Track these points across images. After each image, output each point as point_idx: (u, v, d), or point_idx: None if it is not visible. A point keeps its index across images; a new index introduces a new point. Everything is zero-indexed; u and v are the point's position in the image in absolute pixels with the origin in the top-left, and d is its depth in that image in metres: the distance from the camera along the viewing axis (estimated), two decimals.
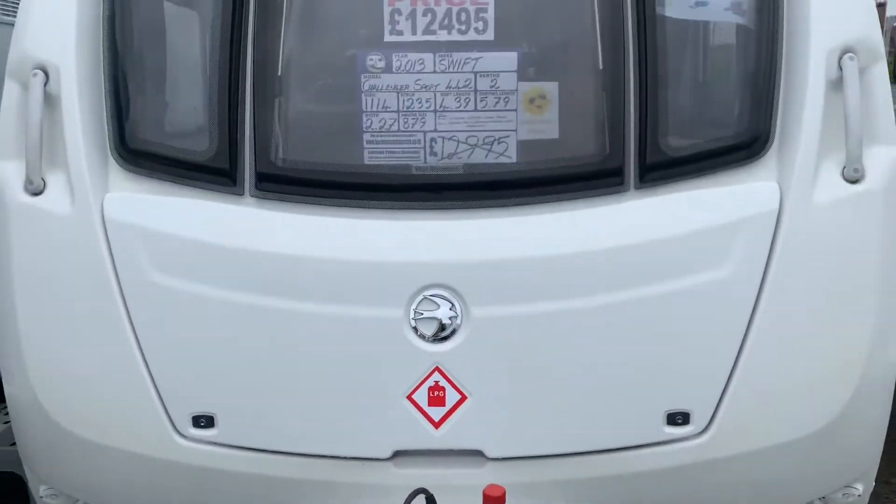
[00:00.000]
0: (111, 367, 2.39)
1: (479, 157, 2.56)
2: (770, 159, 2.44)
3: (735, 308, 2.33)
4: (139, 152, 2.51)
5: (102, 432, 2.44)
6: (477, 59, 2.59)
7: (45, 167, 2.48)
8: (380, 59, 2.60)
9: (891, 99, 2.47)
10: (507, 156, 2.56)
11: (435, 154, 2.58)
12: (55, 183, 2.47)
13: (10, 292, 2.44)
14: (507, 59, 2.58)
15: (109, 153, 2.54)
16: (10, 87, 2.56)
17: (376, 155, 2.52)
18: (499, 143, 2.58)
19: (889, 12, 8.49)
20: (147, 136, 2.54)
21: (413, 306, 2.32)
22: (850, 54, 2.42)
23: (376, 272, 2.34)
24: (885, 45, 2.79)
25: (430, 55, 2.61)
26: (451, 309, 2.32)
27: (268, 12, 2.58)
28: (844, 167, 2.37)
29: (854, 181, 2.36)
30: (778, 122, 2.46)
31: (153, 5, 2.64)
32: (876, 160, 2.39)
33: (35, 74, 2.50)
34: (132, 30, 2.62)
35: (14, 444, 2.89)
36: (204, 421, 2.38)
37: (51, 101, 2.50)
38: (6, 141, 2.52)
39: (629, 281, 2.33)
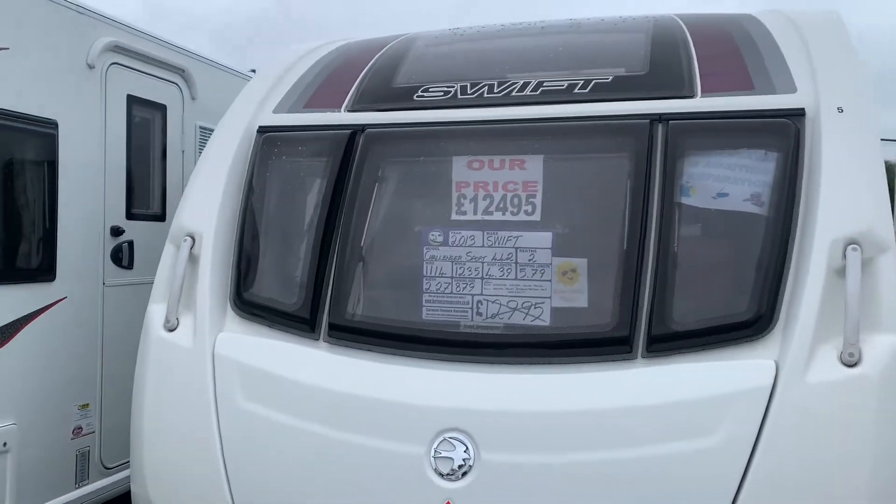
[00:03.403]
0: (202, 474, 2.97)
1: (516, 319, 2.97)
2: (773, 339, 2.61)
3: (724, 476, 2.47)
4: (248, 301, 3.21)
5: None
6: (518, 236, 3.06)
7: (182, 310, 3.24)
8: (439, 235, 3.15)
9: None
10: (542, 319, 2.95)
11: (480, 314, 3.03)
12: (186, 323, 3.21)
13: (141, 406, 3.16)
14: (544, 238, 3.03)
15: (228, 301, 3.26)
16: (168, 248, 3.41)
17: (420, 312, 3.02)
18: (535, 308, 2.98)
19: None
20: (256, 288, 3.24)
21: (434, 445, 2.71)
22: (854, 245, 2.59)
23: (409, 413, 2.77)
24: None
25: (480, 233, 3.12)
26: (465, 451, 2.67)
27: (358, 198, 3.26)
28: (842, 351, 2.49)
29: (850, 365, 2.47)
30: (784, 306, 2.65)
31: (275, 194, 3.42)
32: (876, 347, 2.49)
33: (185, 240, 3.32)
34: (257, 211, 3.41)
35: None
36: None
37: (193, 260, 3.30)
38: (158, 288, 3.34)
39: (626, 441, 2.56)
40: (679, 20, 3.71)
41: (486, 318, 3.00)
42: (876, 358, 2.46)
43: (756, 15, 3.65)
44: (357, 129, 3.44)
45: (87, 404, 4.26)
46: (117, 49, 4.38)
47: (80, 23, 4.13)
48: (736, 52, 3.35)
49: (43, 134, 3.91)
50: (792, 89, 3.07)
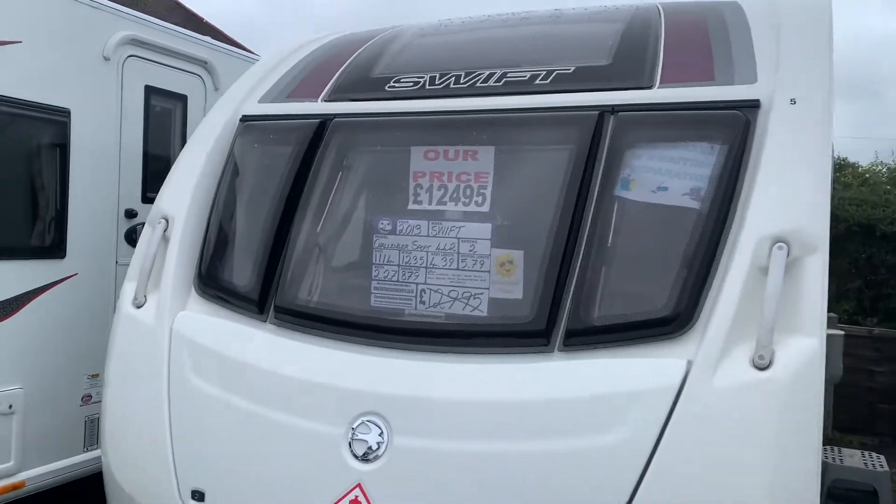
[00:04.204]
0: (151, 442, 3.14)
1: (456, 308, 2.98)
2: (692, 338, 2.53)
3: (622, 475, 2.41)
4: (208, 283, 3.36)
5: (139, 491, 3.18)
6: (460, 227, 3.07)
7: (151, 289, 3.43)
8: (388, 224, 3.20)
9: (825, 290, 2.44)
10: (480, 310, 2.95)
11: (423, 303, 3.06)
12: (152, 301, 3.39)
13: (107, 378, 3.37)
14: (484, 229, 3.03)
15: (193, 282, 3.42)
16: (146, 229, 3.61)
17: (362, 299, 3.08)
18: (474, 298, 2.99)
19: None
20: (216, 270, 3.38)
21: (352, 427, 2.76)
22: (781, 244, 2.48)
23: (332, 395, 2.84)
24: None
25: (426, 222, 3.14)
26: (380, 435, 2.72)
27: (318, 185, 3.35)
28: (754, 353, 2.39)
29: (761, 368, 2.36)
30: (706, 305, 2.55)
31: (246, 181, 3.56)
32: (790, 350, 2.37)
33: (159, 222, 3.50)
34: (228, 197, 3.56)
35: None
36: (198, 495, 3.01)
37: (165, 241, 3.48)
38: (133, 267, 3.54)
39: (529, 434, 2.54)
40: (660, 9, 3.60)
41: (429, 306, 3.03)
42: (788, 362, 2.35)
43: (741, 2, 3.50)
44: (327, 119, 3.53)
45: (98, 374, 4.54)
46: (135, 42, 4.63)
47: (95, 18, 4.41)
48: (705, 41, 3.23)
49: (55, 121, 4.20)
50: (752, 80, 2.95)
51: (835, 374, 7.14)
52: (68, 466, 4.36)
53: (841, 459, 6.55)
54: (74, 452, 4.43)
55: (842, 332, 7.21)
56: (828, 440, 8.24)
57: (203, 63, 5.17)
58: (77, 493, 4.50)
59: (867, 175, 15.79)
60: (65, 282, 4.30)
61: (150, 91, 4.80)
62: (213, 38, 5.30)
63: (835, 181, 6.94)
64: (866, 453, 6.79)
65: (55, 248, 4.26)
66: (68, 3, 4.25)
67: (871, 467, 6.38)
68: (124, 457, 3.23)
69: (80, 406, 4.46)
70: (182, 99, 5.06)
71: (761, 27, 3.19)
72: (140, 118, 4.73)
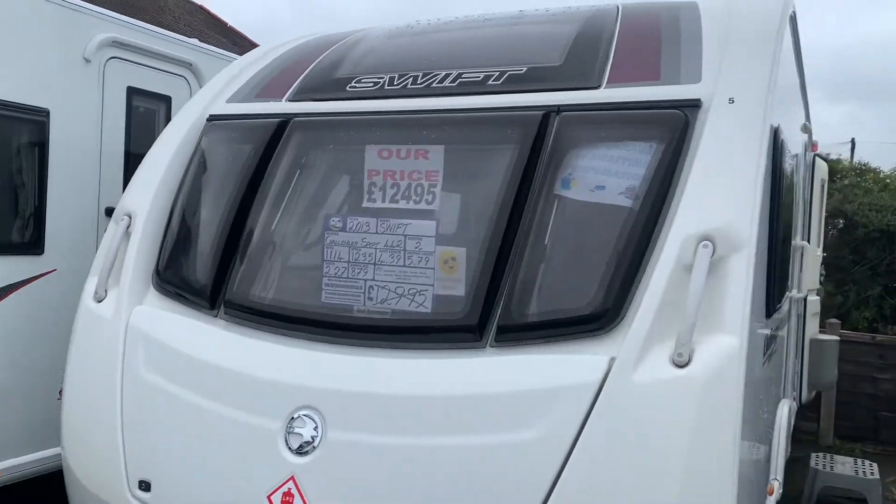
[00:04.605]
0: (103, 434, 3.21)
1: (402, 305, 3.01)
2: (619, 335, 2.53)
3: (540, 471, 2.42)
4: (165, 278, 3.42)
5: (92, 482, 3.25)
6: (407, 224, 3.10)
7: (112, 283, 3.50)
8: (338, 221, 3.24)
9: (749, 289, 2.43)
10: (425, 307, 2.97)
11: (371, 299, 3.10)
12: (112, 295, 3.46)
13: (67, 371, 3.45)
14: (429, 226, 3.06)
15: (151, 277, 3.49)
16: (111, 225, 3.68)
17: (309, 295, 3.12)
18: (419, 295, 3.02)
19: None
20: (173, 266, 3.45)
21: (289, 421, 2.80)
22: (706, 242, 2.48)
23: (272, 389, 2.88)
24: None
25: (374, 220, 3.18)
26: (315, 429, 2.76)
27: (274, 183, 3.41)
28: (673, 351, 2.39)
29: (680, 366, 2.36)
30: (634, 302, 2.56)
31: (207, 179, 3.63)
32: (710, 349, 2.37)
33: (123, 219, 3.58)
34: (189, 194, 3.62)
35: None
36: (144, 486, 3.07)
37: (128, 237, 3.55)
38: (96, 263, 3.62)
39: (457, 429, 2.56)
40: (619, 9, 3.61)
41: (377, 303, 3.06)
42: (706, 360, 2.34)
43: (700, 4, 3.49)
44: (289, 118, 3.58)
45: None
46: (116, 44, 4.73)
47: (75, 20, 4.51)
48: (656, 41, 3.24)
49: (34, 121, 4.30)
50: (697, 80, 2.95)
51: (828, 380, 7.07)
52: (44, 458, 4.44)
53: (832, 466, 6.49)
54: (50, 445, 4.51)
55: (836, 338, 7.13)
56: (828, 448, 8.16)
57: (188, 65, 5.26)
58: (55, 485, 4.59)
59: (888, 180, 15.58)
60: (43, 277, 4.39)
61: (132, 92, 4.89)
62: (237, 43, 5.37)
63: (825, 182, 6.86)
64: (859, 461, 6.72)
65: (33, 244, 4.36)
66: (47, 6, 4.35)
67: (861, 475, 6.32)
68: (79, 449, 3.31)
69: (58, 399, 4.53)
70: (166, 100, 5.15)
71: (713, 28, 3.19)
72: (122, 118, 4.83)
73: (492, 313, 2.74)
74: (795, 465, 6.66)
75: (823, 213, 7.62)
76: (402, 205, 3.21)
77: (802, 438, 8.45)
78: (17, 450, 4.31)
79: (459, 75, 3.39)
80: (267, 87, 3.93)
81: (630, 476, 2.34)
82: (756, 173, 2.59)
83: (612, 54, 3.22)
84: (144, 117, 5.03)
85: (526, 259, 2.77)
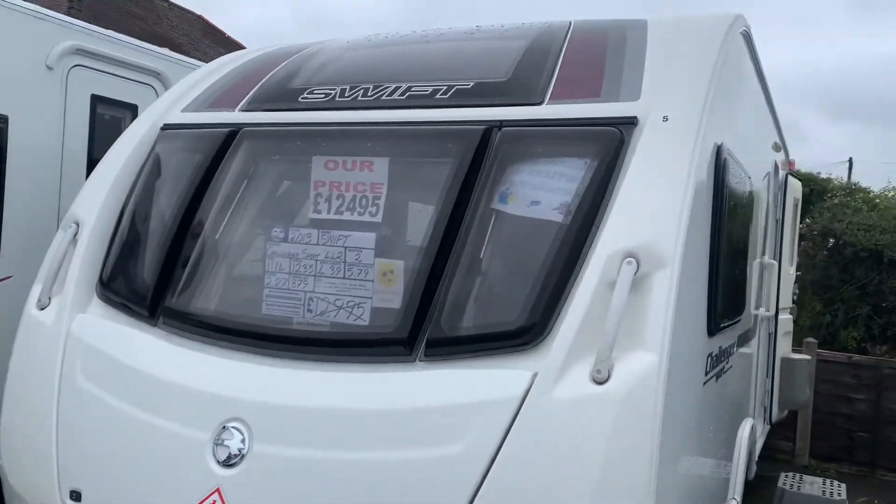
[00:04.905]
0: (38, 442, 3.19)
1: (340, 317, 3.00)
2: (543, 350, 2.52)
3: (460, 486, 2.40)
4: (108, 287, 3.41)
5: (27, 491, 3.22)
6: (347, 236, 3.10)
7: (56, 291, 3.49)
8: (280, 232, 3.23)
9: (671, 305, 2.42)
10: (363, 319, 2.96)
11: (311, 311, 3.08)
12: (55, 303, 3.45)
13: (7, 378, 3.43)
14: (369, 239, 3.06)
15: (96, 286, 3.47)
16: (59, 233, 3.68)
17: (247, 306, 3.11)
18: (358, 307, 3.01)
19: None
20: (116, 275, 3.44)
21: (217, 433, 2.79)
22: (630, 259, 2.47)
23: (202, 400, 2.87)
24: None
25: (316, 231, 3.18)
26: (241, 441, 2.74)
27: (220, 193, 3.40)
28: (593, 367, 2.38)
29: (599, 382, 2.35)
30: (561, 318, 2.55)
31: (155, 188, 3.62)
32: (629, 366, 2.36)
33: (70, 226, 3.57)
34: (137, 203, 3.62)
35: None
36: (76, 496, 3.04)
37: (74, 244, 3.54)
38: (43, 269, 3.60)
39: (380, 443, 2.55)
40: (570, 26, 3.62)
41: (316, 315, 3.05)
42: (624, 377, 2.33)
43: (648, 20, 3.51)
44: (238, 128, 3.58)
45: None
46: (80, 52, 4.74)
47: (37, 27, 4.52)
48: (601, 58, 3.25)
49: None
50: (636, 97, 2.96)
51: (801, 400, 7.06)
52: None
53: (799, 486, 6.47)
54: None
55: (808, 357, 7.12)
56: (804, 468, 8.12)
57: (156, 74, 5.27)
58: None
59: (877, 200, 15.61)
60: (0, 283, 4.38)
61: (96, 100, 4.90)
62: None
63: (792, 201, 6.86)
64: (828, 481, 6.69)
65: None
66: (8, 13, 4.36)
67: (828, 495, 6.29)
68: (15, 456, 3.28)
69: None
70: (132, 108, 5.15)
71: (656, 47, 3.20)
72: (85, 126, 4.83)
73: (423, 327, 2.72)
74: (766, 484, 6.64)
75: (797, 232, 7.62)
76: (346, 216, 3.21)
77: (778, 458, 8.42)
78: None
79: (409, 88, 3.39)
80: (221, 97, 3.94)
81: (546, 492, 2.32)
82: (684, 190, 2.59)
83: (557, 71, 3.23)
84: (110, 125, 5.03)
85: (460, 273, 2.76)
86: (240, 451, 2.73)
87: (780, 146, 6.46)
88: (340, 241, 3.11)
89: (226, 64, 4.29)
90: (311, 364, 2.84)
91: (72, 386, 3.18)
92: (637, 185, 2.63)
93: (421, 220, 3.09)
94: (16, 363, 3.41)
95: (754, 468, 5.73)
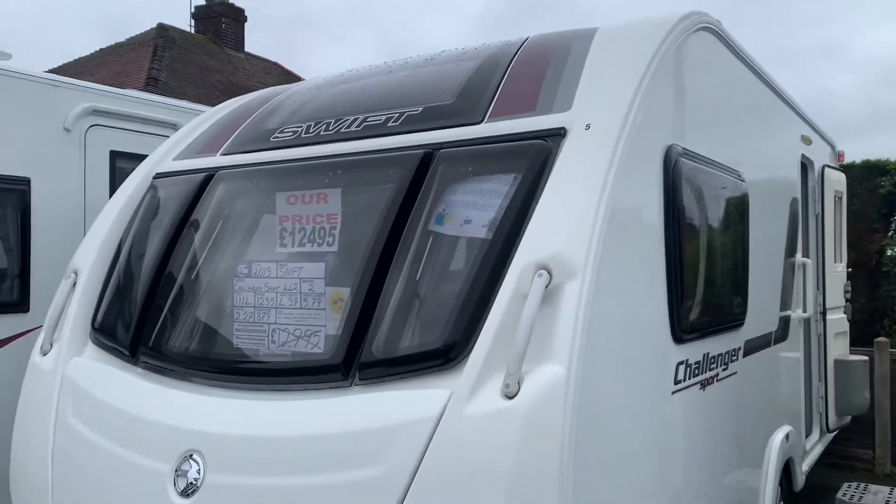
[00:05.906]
0: (38, 481, 3.41)
1: (300, 346, 3.10)
2: (462, 368, 2.52)
3: None
4: (99, 331, 3.64)
5: None
6: (301, 267, 3.21)
7: (57, 337, 3.74)
8: (245, 268, 3.37)
9: (581, 316, 2.39)
10: (318, 347, 3.05)
11: (274, 342, 3.20)
12: (55, 348, 3.70)
13: (14, 418, 3.69)
14: (319, 268, 3.15)
15: (89, 331, 3.71)
16: (62, 281, 3.95)
17: (213, 341, 3.25)
18: (314, 336, 3.09)
19: None
20: (106, 319, 3.66)
21: (178, 464, 2.92)
22: (542, 271, 2.46)
23: (163, 432, 3.01)
24: None
25: (274, 265, 3.30)
26: (198, 471, 2.86)
27: (195, 235, 3.58)
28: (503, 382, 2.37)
29: (509, 397, 2.34)
30: (480, 335, 2.55)
31: (143, 234, 3.84)
32: (537, 379, 2.33)
33: (70, 275, 3.83)
34: (127, 250, 3.85)
35: None
36: None
37: (73, 292, 3.80)
38: (47, 318, 3.87)
39: (308, 468, 2.60)
40: (524, 42, 3.64)
41: (279, 345, 3.16)
42: (531, 390, 2.31)
43: (599, 29, 3.48)
44: (215, 171, 3.77)
45: None
46: (96, 112, 5.09)
47: (53, 94, 4.89)
48: (542, 72, 3.25)
49: (15, 189, 4.67)
50: (568, 108, 2.95)
51: (860, 404, 6.64)
52: None
53: (861, 497, 6.07)
54: None
55: (864, 358, 6.71)
56: (886, 477, 7.61)
57: (172, 125, 5.58)
58: None
59: None
60: (29, 333, 4.72)
61: (115, 155, 5.23)
62: None
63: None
64: (895, 490, 6.24)
65: (20, 303, 4.70)
66: (24, 83, 4.75)
67: None
68: (20, 498, 3.52)
69: None
70: None
71: (596, 55, 3.18)
72: (105, 180, 5.16)
73: (358, 352, 2.78)
74: (825, 494, 6.27)
75: (843, 227, 7.22)
76: (307, 248, 3.32)
77: (856, 467, 7.93)
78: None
79: (365, 119, 3.49)
80: (208, 143, 4.15)
81: None
82: (599, 198, 2.56)
83: (499, 89, 3.25)
84: None
85: (395, 296, 2.81)
86: (196, 480, 2.85)
87: (811, 139, 6.19)
88: (296, 272, 3.22)
89: (218, 111, 4.51)
90: (261, 394, 2.94)
91: (64, 426, 3.39)
92: (555, 195, 2.62)
93: (365, 246, 3.15)
94: (21, 407, 3.67)
95: (802, 479, 5.43)
